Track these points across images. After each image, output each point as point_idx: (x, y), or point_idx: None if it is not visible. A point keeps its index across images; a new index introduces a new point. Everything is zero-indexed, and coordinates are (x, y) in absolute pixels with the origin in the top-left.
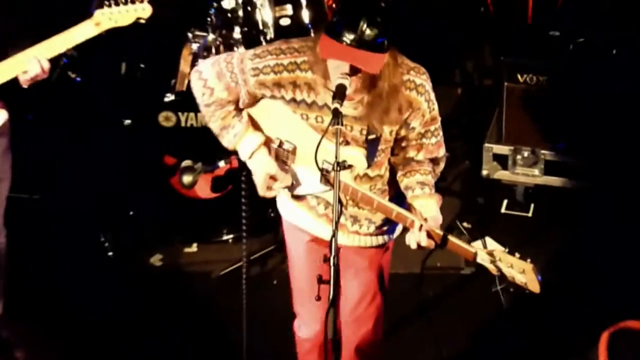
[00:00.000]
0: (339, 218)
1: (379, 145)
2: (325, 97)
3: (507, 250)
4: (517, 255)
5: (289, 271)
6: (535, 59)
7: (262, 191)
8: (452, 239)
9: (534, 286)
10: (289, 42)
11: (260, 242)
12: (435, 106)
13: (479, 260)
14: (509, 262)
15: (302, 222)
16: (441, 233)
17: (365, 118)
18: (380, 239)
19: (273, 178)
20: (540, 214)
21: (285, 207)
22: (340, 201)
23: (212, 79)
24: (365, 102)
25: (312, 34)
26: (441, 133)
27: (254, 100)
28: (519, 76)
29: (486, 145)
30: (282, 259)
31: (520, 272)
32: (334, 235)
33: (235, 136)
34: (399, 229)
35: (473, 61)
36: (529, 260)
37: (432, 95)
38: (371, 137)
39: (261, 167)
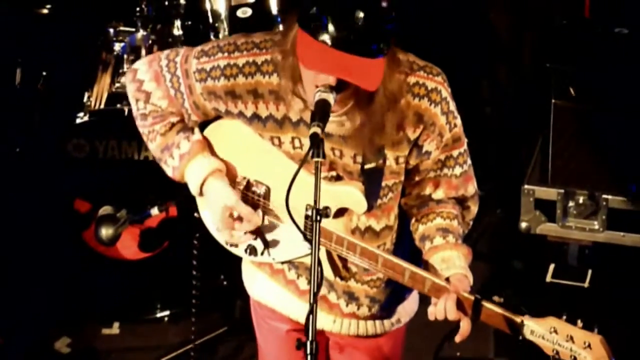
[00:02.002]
0: (319, 287)
1: (383, 180)
2: (299, 109)
3: (564, 317)
4: (580, 324)
5: None
6: (594, 67)
7: (225, 236)
8: (487, 305)
9: None
10: (248, 36)
11: (206, 322)
12: (458, 121)
13: (526, 334)
14: (567, 333)
15: (277, 303)
16: (472, 297)
17: (357, 138)
18: (386, 324)
19: (234, 216)
20: (600, 283)
21: (253, 282)
22: (320, 263)
23: (148, 80)
24: (357, 119)
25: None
26: (469, 161)
27: (205, 117)
28: (571, 90)
29: (526, 187)
30: (237, 346)
31: (584, 347)
32: (312, 311)
33: (182, 159)
34: (412, 308)
35: (507, 68)
36: (596, 330)
37: (453, 106)
38: (369, 166)
39: (217, 199)
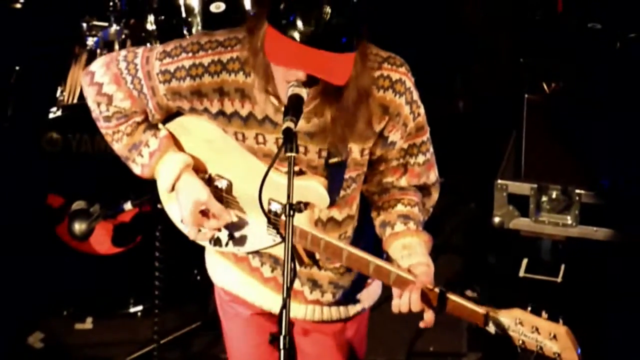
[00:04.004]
0: (292, 283)
1: (347, 172)
2: (265, 107)
3: (530, 309)
4: (545, 315)
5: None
6: (567, 61)
7: (192, 232)
8: (452, 297)
9: (570, 357)
10: (211, 35)
11: (180, 317)
12: (422, 110)
13: (490, 327)
14: (533, 325)
15: (241, 290)
16: (437, 290)
17: (323, 134)
18: (350, 310)
19: (205, 213)
20: (573, 278)
21: (217, 269)
22: (293, 258)
23: (108, 83)
24: (329, 116)
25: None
26: (431, 149)
27: (167, 114)
28: (544, 85)
29: (499, 182)
30: (212, 340)
31: (550, 337)
32: (285, 305)
33: (152, 157)
34: (375, 292)
35: (481, 63)
36: (561, 321)
37: (416, 95)
38: (333, 160)
39: (189, 195)
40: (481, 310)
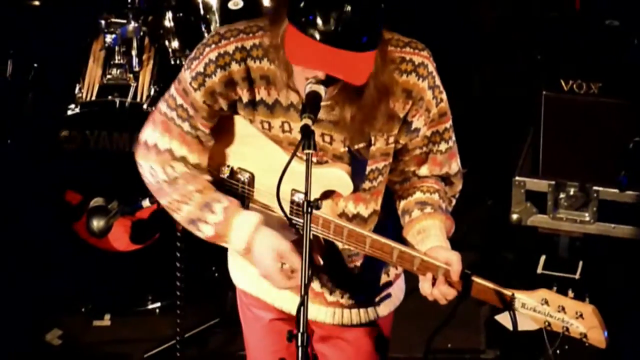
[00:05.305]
0: (309, 280)
1: (373, 162)
2: (289, 95)
3: (555, 288)
4: (571, 294)
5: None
6: (585, 59)
7: (283, 281)
8: (477, 280)
9: (597, 337)
10: (230, 25)
11: (198, 314)
12: (444, 96)
13: (517, 307)
14: (559, 304)
15: (260, 291)
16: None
17: (346, 122)
18: (371, 313)
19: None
20: (591, 275)
21: (238, 269)
22: (311, 254)
23: (161, 138)
24: (348, 114)
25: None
26: (454, 137)
27: (215, 128)
28: (562, 82)
29: (517, 179)
30: (228, 338)
31: (576, 317)
32: (302, 302)
33: (227, 211)
34: (397, 297)
35: (498, 60)
36: (587, 300)
37: (438, 81)
38: (358, 146)
39: (269, 248)
40: (507, 292)
